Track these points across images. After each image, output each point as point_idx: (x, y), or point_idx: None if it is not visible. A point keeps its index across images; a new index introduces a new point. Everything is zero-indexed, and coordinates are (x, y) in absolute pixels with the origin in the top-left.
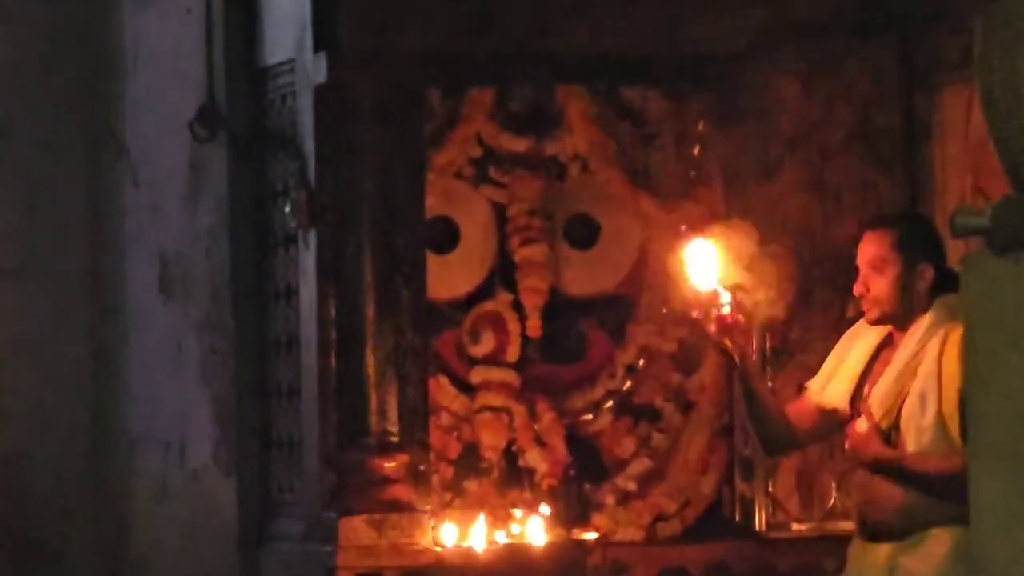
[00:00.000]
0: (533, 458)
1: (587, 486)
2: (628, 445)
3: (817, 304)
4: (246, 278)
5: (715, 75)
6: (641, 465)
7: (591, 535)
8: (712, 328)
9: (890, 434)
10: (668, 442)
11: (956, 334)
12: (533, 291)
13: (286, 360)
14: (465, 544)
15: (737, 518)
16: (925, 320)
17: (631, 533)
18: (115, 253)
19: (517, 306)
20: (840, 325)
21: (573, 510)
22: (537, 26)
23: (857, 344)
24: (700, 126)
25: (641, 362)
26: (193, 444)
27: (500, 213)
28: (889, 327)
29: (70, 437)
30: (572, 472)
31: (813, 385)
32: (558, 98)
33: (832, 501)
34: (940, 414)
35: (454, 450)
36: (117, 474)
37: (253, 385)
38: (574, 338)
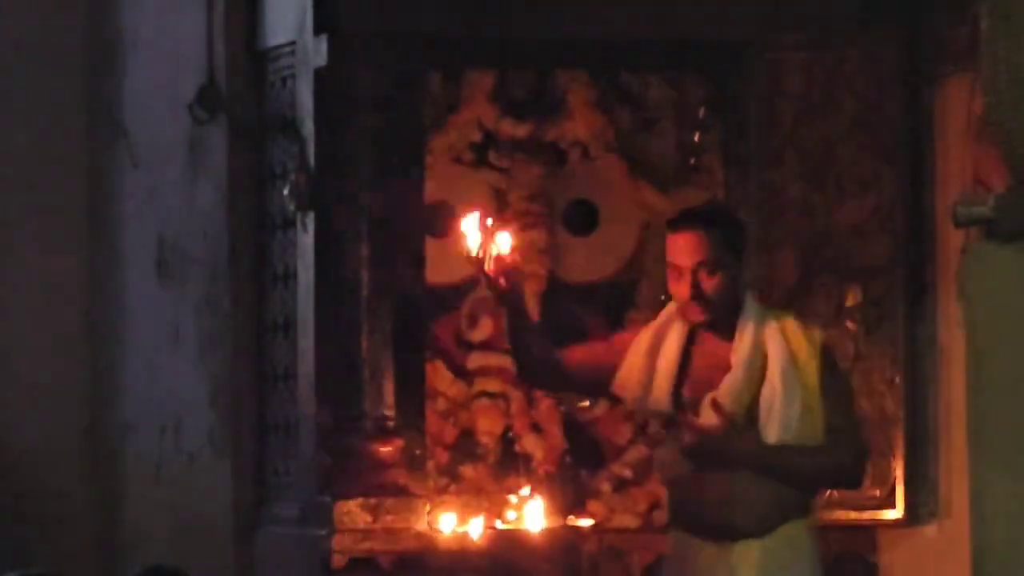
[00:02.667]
0: (530, 444)
1: (583, 473)
2: (625, 432)
3: (818, 293)
4: (244, 261)
5: (717, 62)
6: (638, 452)
7: (587, 522)
8: (488, 267)
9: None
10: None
11: (790, 323)
12: (532, 277)
13: (283, 343)
14: (461, 529)
15: None
16: (750, 311)
17: (627, 520)
18: (113, 234)
19: None
20: (839, 314)
21: (569, 497)
22: (538, 10)
23: (664, 345)
24: (701, 113)
25: None
26: (189, 427)
27: (500, 198)
28: (686, 324)
29: (65, 419)
30: (568, 459)
31: (630, 394)
32: (559, 83)
33: (829, 491)
34: (804, 404)
35: (450, 435)
36: (112, 456)
37: (250, 368)
38: (572, 325)
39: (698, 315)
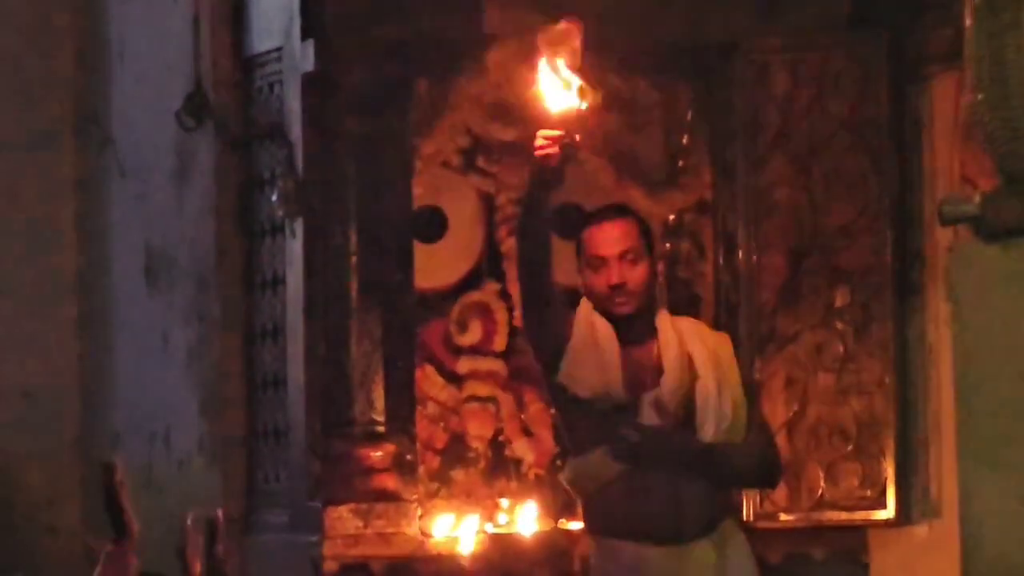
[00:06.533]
0: (520, 448)
1: None
2: None
3: (805, 294)
4: (232, 267)
5: (704, 65)
6: None
7: (578, 525)
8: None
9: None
10: None
11: (699, 324)
12: None
13: (272, 350)
14: (452, 534)
15: None
16: (661, 313)
17: None
18: (101, 242)
19: (504, 295)
20: (828, 315)
21: (560, 500)
22: (527, 15)
23: (603, 342)
24: (688, 115)
25: None
26: (178, 434)
27: (488, 202)
28: (608, 324)
29: (56, 427)
30: (559, 462)
31: (588, 388)
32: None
33: (820, 491)
34: (734, 401)
35: (441, 440)
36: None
37: (239, 375)
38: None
39: (621, 306)
